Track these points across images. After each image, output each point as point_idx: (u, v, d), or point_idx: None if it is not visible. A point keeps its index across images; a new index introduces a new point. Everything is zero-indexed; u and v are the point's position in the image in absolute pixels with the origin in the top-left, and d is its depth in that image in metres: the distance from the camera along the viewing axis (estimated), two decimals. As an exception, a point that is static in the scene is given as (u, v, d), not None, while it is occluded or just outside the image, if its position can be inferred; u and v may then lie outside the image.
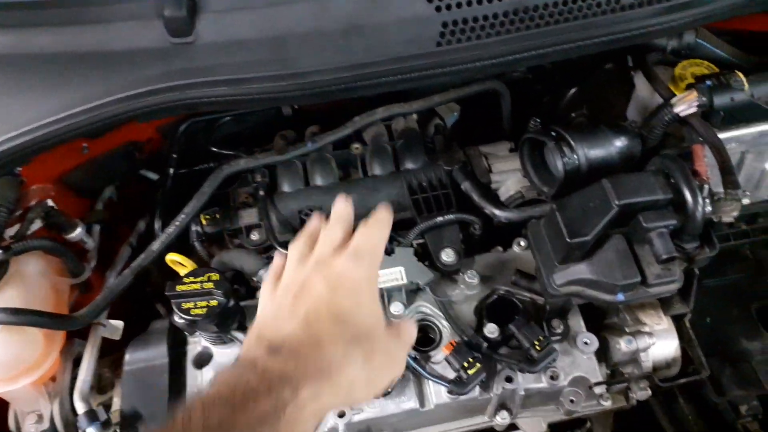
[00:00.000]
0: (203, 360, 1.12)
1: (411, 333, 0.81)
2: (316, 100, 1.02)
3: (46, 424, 1.11)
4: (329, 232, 0.82)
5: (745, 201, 1.33)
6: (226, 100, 0.99)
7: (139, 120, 1.03)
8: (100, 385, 1.17)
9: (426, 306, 1.16)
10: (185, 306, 1.00)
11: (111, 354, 1.19)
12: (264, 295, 0.80)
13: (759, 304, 1.35)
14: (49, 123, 0.99)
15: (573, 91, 1.56)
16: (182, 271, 1.08)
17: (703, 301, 1.36)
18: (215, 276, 1.02)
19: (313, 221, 0.87)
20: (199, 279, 1.02)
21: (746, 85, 1.13)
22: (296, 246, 0.84)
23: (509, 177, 1.31)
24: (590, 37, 1.03)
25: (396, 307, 1.13)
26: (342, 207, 0.85)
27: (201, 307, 1.00)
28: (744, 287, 1.39)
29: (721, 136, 1.13)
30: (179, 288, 1.01)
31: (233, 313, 1.05)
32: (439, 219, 1.20)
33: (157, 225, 1.27)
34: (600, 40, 1.03)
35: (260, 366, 0.65)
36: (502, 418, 1.14)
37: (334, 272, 0.74)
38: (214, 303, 1.00)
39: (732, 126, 1.16)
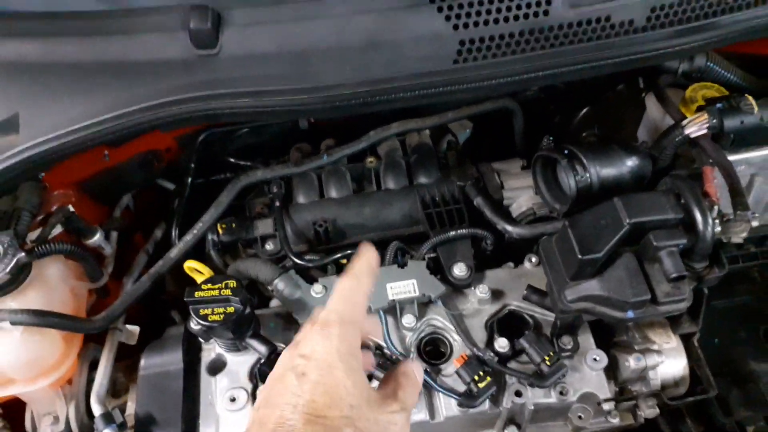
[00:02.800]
0: (217, 367, 1.14)
1: (414, 384, 0.73)
2: (335, 113, 1.04)
3: (61, 426, 1.12)
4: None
5: (755, 223, 1.35)
6: (248, 112, 1.02)
7: (162, 129, 1.06)
8: (115, 389, 1.18)
9: (437, 319, 1.17)
10: (203, 312, 1.01)
11: (126, 359, 1.21)
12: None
13: (767, 326, 1.36)
14: (75, 130, 1.02)
15: (585, 111, 1.59)
16: (199, 279, 1.10)
17: (712, 322, 1.36)
18: (233, 283, 1.04)
19: None
20: (217, 286, 1.03)
21: (756, 109, 1.15)
22: None
23: (521, 194, 1.33)
24: (603, 57, 1.06)
25: (408, 320, 1.15)
26: None
27: (218, 314, 1.01)
28: (752, 309, 1.39)
29: (731, 158, 1.15)
30: (198, 294, 1.02)
31: (248, 321, 1.07)
32: (452, 233, 1.22)
33: (174, 233, 1.30)
34: (613, 61, 1.06)
35: None
36: (511, 433, 1.15)
37: (301, 355, 0.68)
38: (231, 310, 1.02)
39: (742, 149, 1.18)
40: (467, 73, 1.04)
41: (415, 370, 0.76)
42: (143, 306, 1.35)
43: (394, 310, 1.16)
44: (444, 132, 1.54)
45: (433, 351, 1.18)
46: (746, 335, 1.35)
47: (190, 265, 1.13)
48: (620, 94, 1.52)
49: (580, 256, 1.00)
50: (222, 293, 1.02)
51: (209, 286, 1.03)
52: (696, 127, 1.15)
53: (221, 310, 1.01)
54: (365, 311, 0.76)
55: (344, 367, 0.67)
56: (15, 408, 1.16)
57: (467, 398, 1.07)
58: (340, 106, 1.02)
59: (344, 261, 1.26)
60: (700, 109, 1.19)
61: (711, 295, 1.40)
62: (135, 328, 1.17)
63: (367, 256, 0.79)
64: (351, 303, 0.74)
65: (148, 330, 1.23)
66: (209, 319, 1.01)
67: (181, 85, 1.01)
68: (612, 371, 1.18)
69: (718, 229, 1.07)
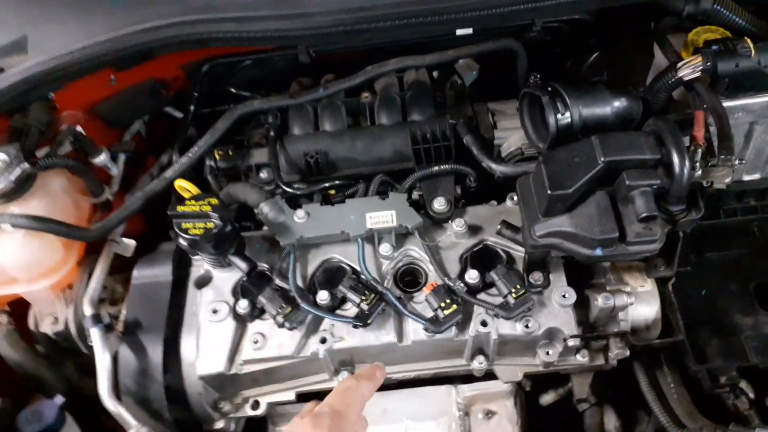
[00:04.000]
0: (204, 281, 1.21)
1: None
2: (316, 41, 1.07)
3: (60, 326, 1.23)
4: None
5: (751, 177, 1.31)
6: (233, 37, 1.06)
7: (157, 52, 1.12)
8: (113, 299, 1.28)
9: (414, 250, 1.21)
10: (184, 226, 1.08)
11: (125, 272, 1.30)
12: None
13: (758, 281, 1.33)
14: (76, 49, 1.09)
15: (595, 56, 1.56)
16: (188, 197, 1.16)
17: (703, 274, 1.36)
18: (214, 201, 1.10)
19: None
20: (199, 203, 1.10)
21: (753, 52, 1.11)
22: None
23: (513, 134, 1.34)
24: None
25: (385, 248, 1.19)
26: None
27: (199, 228, 1.08)
28: (746, 264, 1.36)
29: (728, 104, 1.12)
30: (180, 209, 1.09)
31: (230, 238, 1.13)
32: (435, 168, 1.24)
33: (174, 157, 1.36)
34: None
35: None
36: (479, 363, 1.18)
37: None
38: (210, 225, 1.08)
39: (739, 94, 1.15)
40: (447, 3, 1.04)
41: None
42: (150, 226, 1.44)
43: (372, 239, 1.20)
44: (450, 73, 1.54)
45: (411, 281, 1.22)
46: (736, 289, 1.34)
47: (180, 184, 1.19)
48: (631, 40, 1.48)
49: (549, 192, 1.01)
50: (202, 209, 1.08)
51: (192, 202, 1.10)
52: (690, 69, 1.12)
53: (202, 225, 1.08)
54: (359, 412, 0.80)
55: None
56: (20, 308, 1.27)
57: (433, 324, 1.11)
58: (322, 34, 1.05)
59: (332, 192, 1.31)
60: (695, 51, 1.16)
61: (706, 247, 1.39)
62: (131, 242, 1.25)
63: (374, 368, 0.86)
64: (346, 401, 0.79)
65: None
66: (190, 232, 1.07)
67: (171, 9, 1.06)
68: (584, 311, 1.19)
69: (699, 172, 1.06)
